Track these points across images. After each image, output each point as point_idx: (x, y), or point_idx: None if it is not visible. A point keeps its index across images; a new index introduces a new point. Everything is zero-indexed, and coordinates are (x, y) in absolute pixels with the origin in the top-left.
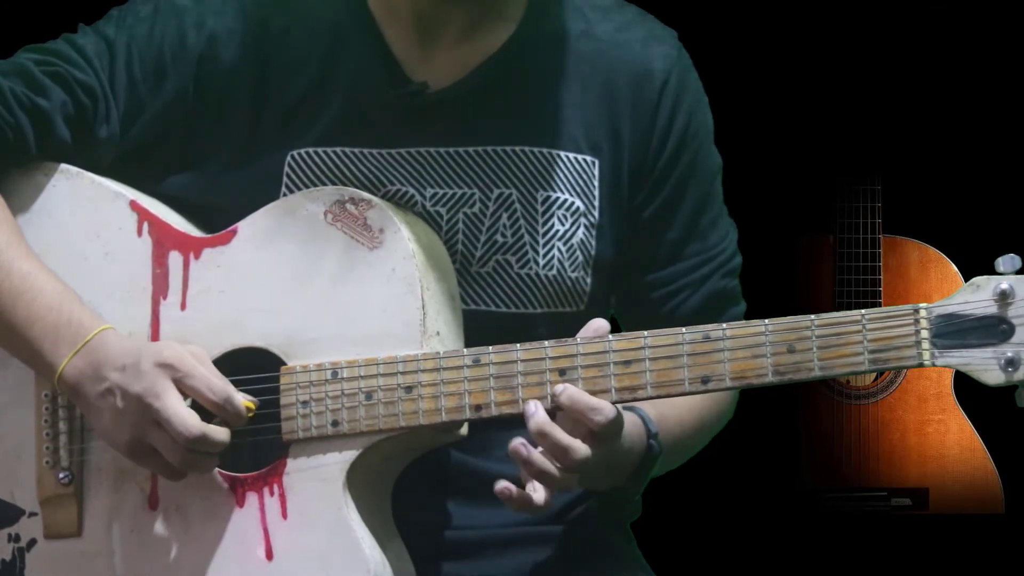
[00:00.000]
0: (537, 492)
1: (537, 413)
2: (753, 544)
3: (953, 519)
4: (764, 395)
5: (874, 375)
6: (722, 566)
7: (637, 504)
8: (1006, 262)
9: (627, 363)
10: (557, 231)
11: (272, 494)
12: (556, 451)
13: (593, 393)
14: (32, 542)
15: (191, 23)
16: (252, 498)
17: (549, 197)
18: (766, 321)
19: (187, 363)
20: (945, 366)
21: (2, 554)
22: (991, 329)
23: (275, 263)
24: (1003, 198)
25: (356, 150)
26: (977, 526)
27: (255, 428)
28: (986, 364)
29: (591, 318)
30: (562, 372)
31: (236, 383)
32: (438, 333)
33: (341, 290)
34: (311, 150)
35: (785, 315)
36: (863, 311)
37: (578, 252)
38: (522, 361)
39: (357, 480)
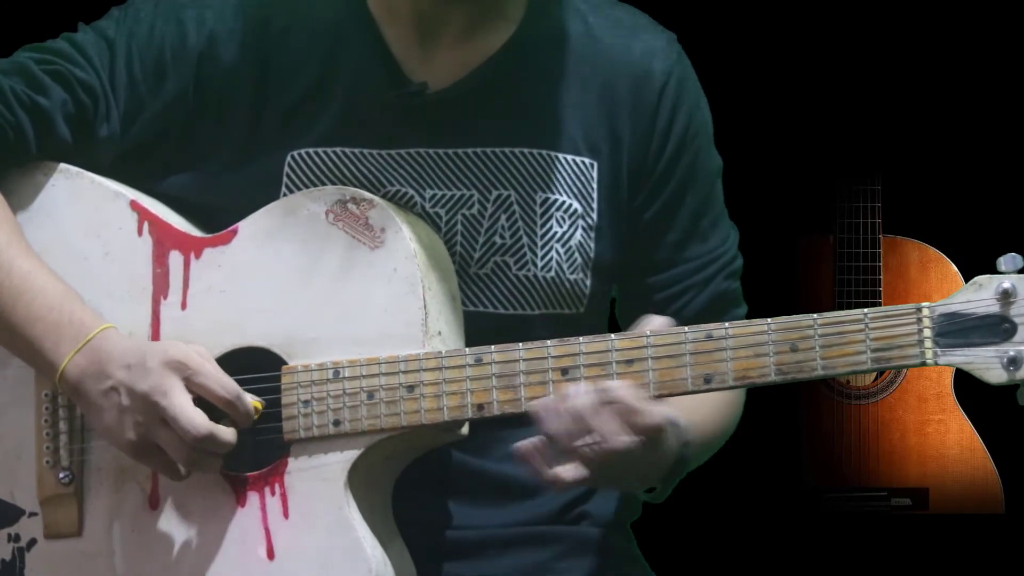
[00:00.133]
0: (567, 469)
1: (584, 395)
2: (753, 544)
3: (953, 519)
4: (765, 395)
5: (874, 375)
6: (722, 566)
7: (637, 504)
8: (1008, 261)
9: (629, 362)
10: (555, 233)
11: (273, 494)
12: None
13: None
14: (32, 542)
15: (191, 22)
16: (253, 498)
17: (548, 199)
18: (769, 320)
19: (196, 361)
20: (948, 365)
21: (2, 554)
22: (993, 328)
23: (276, 263)
24: (1003, 198)
25: (356, 150)
26: (977, 526)
27: (257, 428)
28: (988, 363)
29: (590, 320)
30: (564, 371)
31: (237, 383)
32: (440, 333)
33: (342, 290)
34: (311, 150)
35: (785, 315)
36: (865, 310)
37: (576, 254)
38: (524, 360)
39: (358, 480)
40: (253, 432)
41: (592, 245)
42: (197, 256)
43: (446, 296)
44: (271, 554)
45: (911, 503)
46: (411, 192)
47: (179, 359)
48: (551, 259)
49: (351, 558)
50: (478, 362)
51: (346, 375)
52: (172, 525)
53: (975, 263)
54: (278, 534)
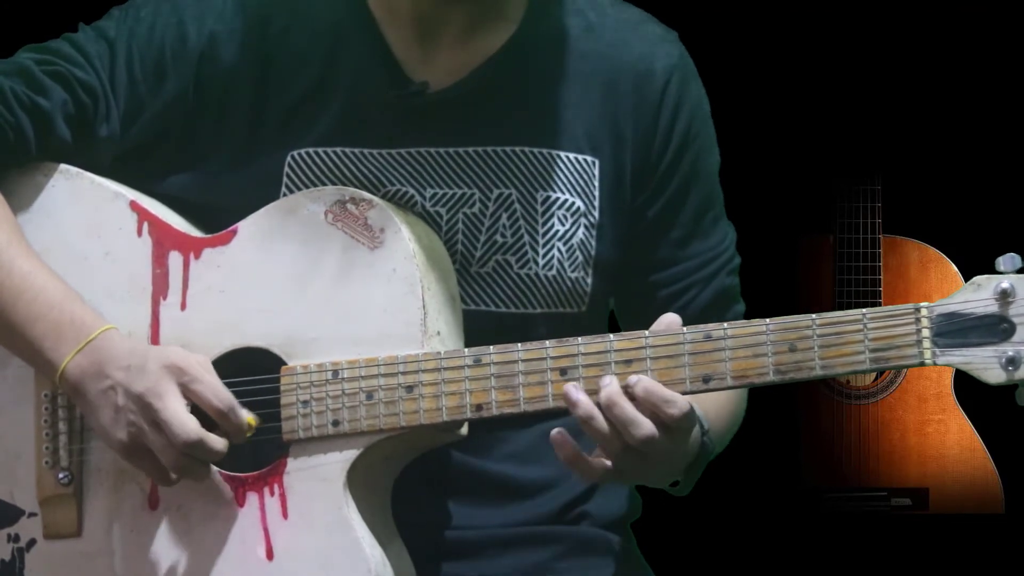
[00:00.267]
0: (597, 461)
1: (611, 384)
2: (753, 544)
3: (953, 519)
4: (764, 395)
5: (874, 375)
6: (722, 566)
7: (637, 504)
8: (1006, 261)
9: (628, 362)
10: (557, 231)
11: (272, 494)
12: (622, 422)
13: (592, 392)
14: (31, 542)
15: (192, 22)
16: (252, 498)
17: (549, 197)
18: (767, 320)
19: (194, 368)
20: (946, 365)
21: (1, 554)
22: (992, 328)
23: (275, 263)
24: (1003, 198)
25: (356, 150)
26: (977, 526)
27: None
28: (987, 363)
29: (591, 319)
30: (563, 371)
31: (237, 383)
32: (439, 333)
33: (342, 290)
34: (311, 150)
35: (785, 315)
36: (864, 310)
37: (578, 252)
38: (523, 361)
39: (358, 480)
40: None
41: (594, 243)
42: (197, 256)
43: (445, 296)
44: (270, 554)
45: (911, 503)
46: (411, 191)
47: (178, 364)
48: (552, 257)
49: (350, 558)
50: (477, 362)
51: (345, 375)
52: (171, 526)
53: (975, 263)
54: (277, 534)
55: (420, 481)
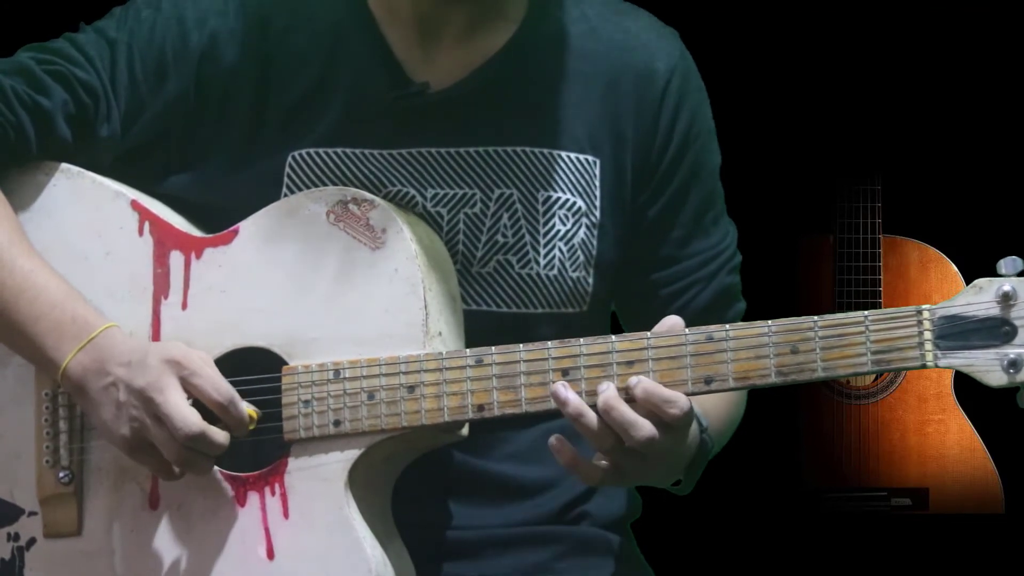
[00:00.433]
0: (600, 462)
1: (608, 390)
2: (753, 544)
3: (953, 519)
4: (764, 395)
5: (874, 375)
6: (722, 566)
7: (637, 504)
8: (1008, 264)
9: (630, 363)
10: (558, 231)
11: (273, 493)
12: (620, 425)
13: (593, 393)
14: (31, 541)
15: (192, 23)
16: (253, 497)
17: (550, 197)
18: (769, 322)
19: (194, 362)
20: (948, 367)
21: (1, 553)
22: (994, 331)
23: (277, 263)
24: (1003, 198)
25: (357, 151)
26: (977, 526)
27: (257, 427)
28: (988, 366)
29: (592, 319)
30: (565, 372)
31: (238, 383)
32: (440, 333)
33: (343, 290)
34: (312, 151)
35: (785, 315)
36: (866, 312)
37: (579, 252)
38: (525, 361)
39: (359, 480)
40: (254, 432)
41: (595, 243)
42: (198, 256)
43: (446, 297)
44: (271, 554)
45: (911, 503)
46: (412, 192)
47: (178, 359)
48: (554, 257)
49: (351, 558)
50: (479, 363)
51: (347, 375)
52: (172, 525)
53: (975, 263)
54: (278, 534)
55: (420, 481)
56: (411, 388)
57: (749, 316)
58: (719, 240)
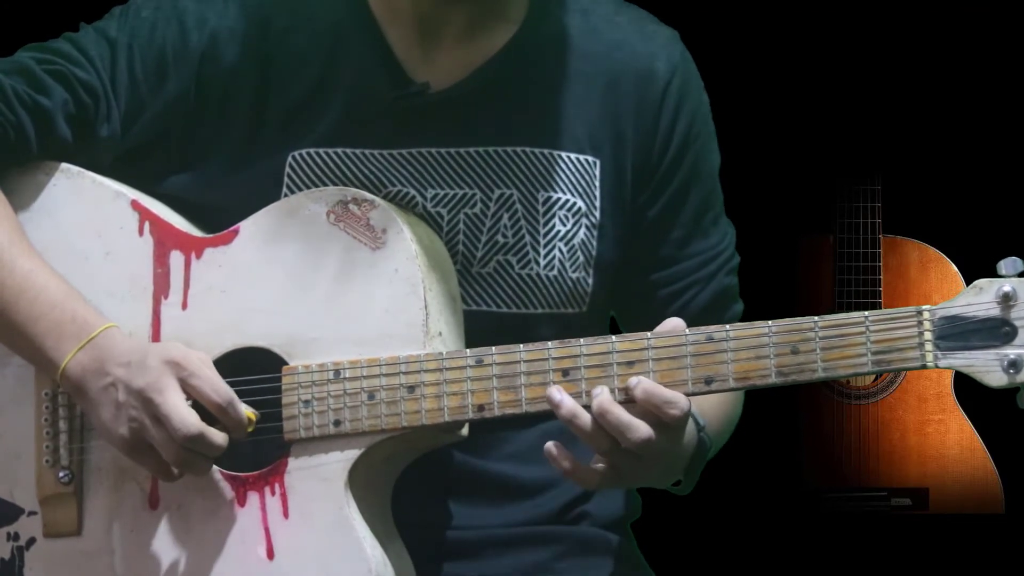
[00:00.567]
0: (595, 468)
1: (602, 394)
2: (753, 544)
3: (953, 519)
4: (764, 395)
5: (874, 375)
6: (722, 566)
7: (637, 504)
8: (1008, 265)
9: (630, 364)
10: (558, 231)
11: (273, 493)
12: (616, 428)
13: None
14: (31, 541)
15: (193, 23)
16: (253, 497)
17: (550, 197)
18: (769, 322)
19: (194, 363)
20: (948, 368)
21: (1, 553)
22: (994, 331)
23: (277, 263)
24: (1003, 198)
25: (357, 151)
26: (977, 526)
27: (257, 427)
28: (989, 366)
29: (592, 319)
30: (565, 372)
31: (238, 383)
32: (440, 334)
33: (343, 290)
34: (312, 151)
35: (785, 315)
36: (866, 312)
37: (579, 252)
38: (525, 361)
39: (359, 480)
40: (254, 432)
41: (595, 243)
42: (198, 256)
43: (446, 297)
44: (271, 554)
45: (911, 503)
46: (412, 192)
47: (177, 360)
48: (554, 257)
49: (351, 558)
50: (479, 363)
51: (347, 375)
52: (172, 525)
53: (975, 263)
54: (278, 534)
55: (420, 481)
56: (411, 388)
57: (749, 316)
58: (718, 241)
